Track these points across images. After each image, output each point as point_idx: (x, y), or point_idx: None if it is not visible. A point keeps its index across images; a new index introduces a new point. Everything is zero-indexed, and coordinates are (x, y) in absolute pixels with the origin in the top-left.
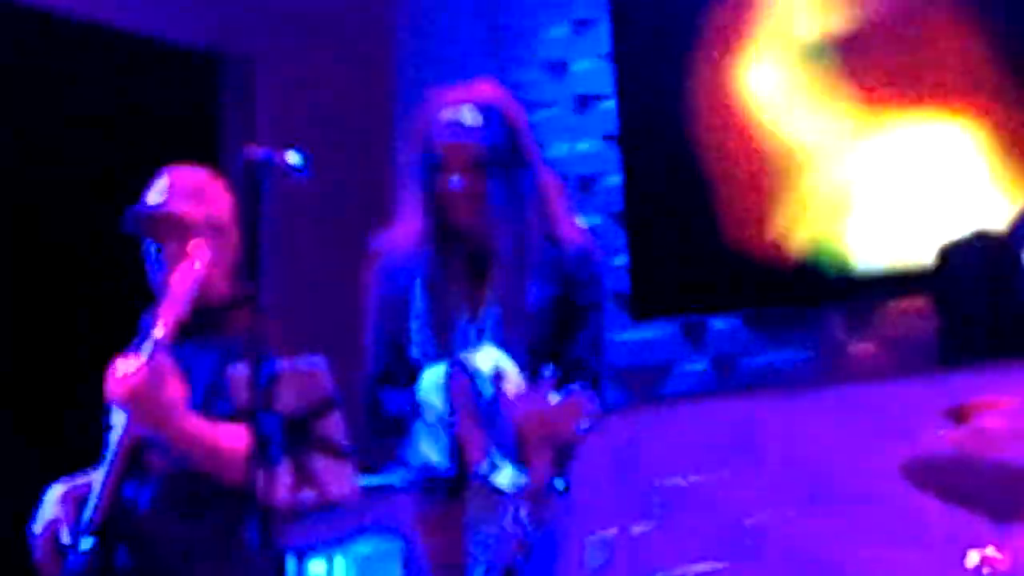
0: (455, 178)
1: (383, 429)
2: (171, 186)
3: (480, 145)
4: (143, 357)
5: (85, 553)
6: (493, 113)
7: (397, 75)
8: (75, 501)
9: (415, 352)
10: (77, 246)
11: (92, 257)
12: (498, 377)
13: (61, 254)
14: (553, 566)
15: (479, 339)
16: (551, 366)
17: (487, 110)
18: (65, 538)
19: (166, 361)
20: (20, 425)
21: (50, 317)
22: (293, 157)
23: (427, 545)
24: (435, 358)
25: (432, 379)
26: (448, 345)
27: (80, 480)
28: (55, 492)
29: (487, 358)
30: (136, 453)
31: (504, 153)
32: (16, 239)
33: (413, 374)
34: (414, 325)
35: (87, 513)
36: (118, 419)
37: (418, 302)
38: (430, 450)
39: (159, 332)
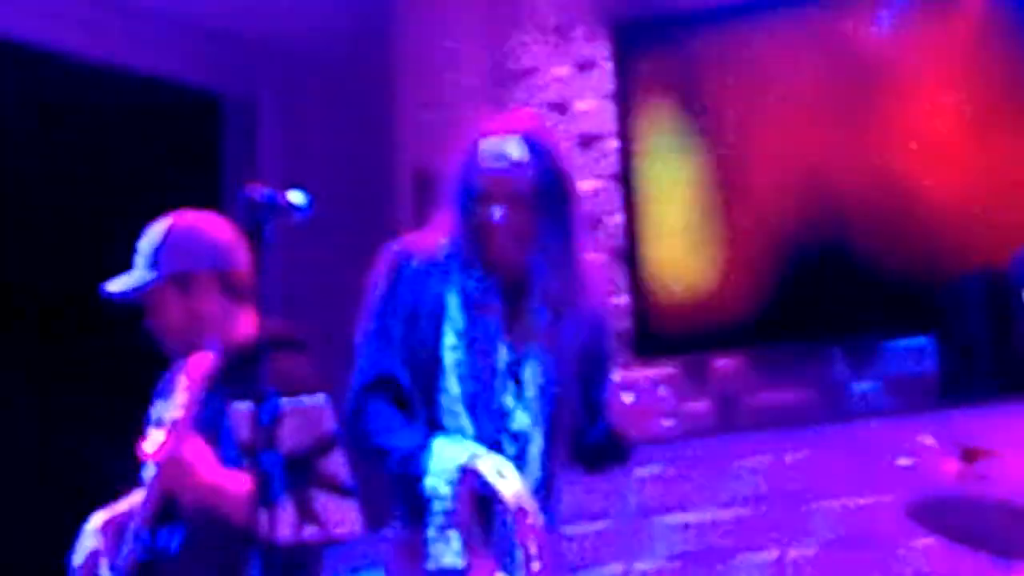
0: (498, 211)
1: (362, 450)
2: (160, 235)
3: (526, 179)
4: (167, 435)
5: None
6: (540, 148)
7: (398, 115)
8: (115, 530)
9: (449, 361)
10: (77, 287)
11: (91, 300)
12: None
13: (58, 295)
14: None
15: (518, 366)
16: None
17: (534, 144)
18: (104, 572)
19: (187, 436)
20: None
21: (59, 355)
22: (295, 196)
23: None
24: (474, 377)
25: (442, 466)
26: (487, 365)
27: (120, 507)
28: (95, 521)
29: (498, 469)
30: (168, 501)
31: (550, 189)
32: (14, 278)
33: (430, 384)
34: (450, 338)
35: (121, 555)
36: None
37: (456, 317)
38: (444, 552)
39: (179, 414)
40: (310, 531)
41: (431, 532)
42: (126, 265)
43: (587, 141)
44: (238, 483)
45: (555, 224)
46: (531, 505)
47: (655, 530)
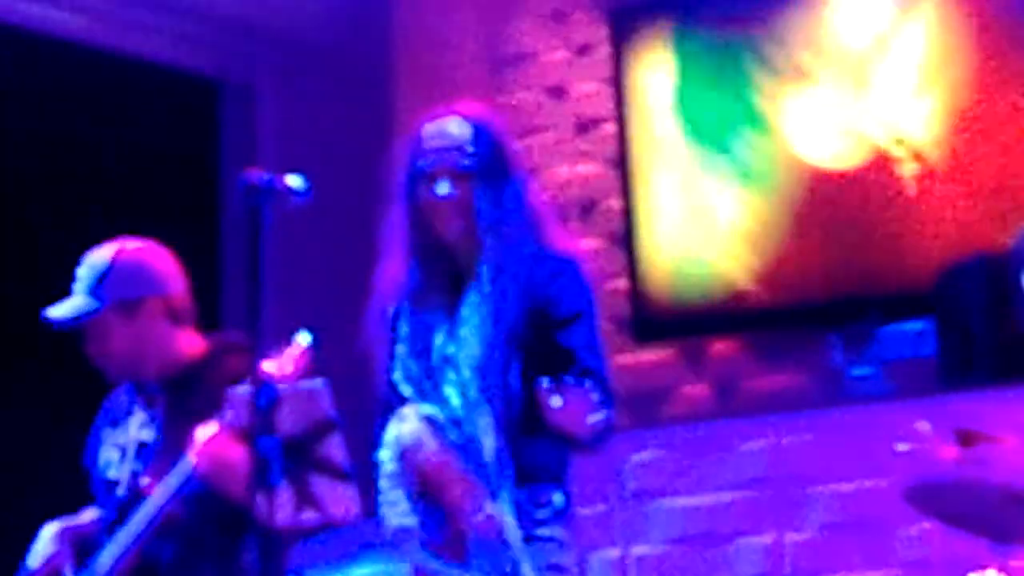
0: (442, 185)
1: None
2: (80, 277)
3: (466, 154)
4: (218, 426)
5: None
6: (479, 126)
7: (396, 100)
8: (72, 539)
9: (398, 375)
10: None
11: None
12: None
13: (57, 277)
14: None
15: (453, 363)
16: (549, 378)
17: (473, 123)
18: (68, 574)
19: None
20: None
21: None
22: (293, 180)
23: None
24: (417, 376)
25: (387, 438)
26: (420, 354)
27: (75, 520)
28: (51, 529)
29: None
30: (168, 515)
31: (490, 164)
32: (12, 262)
33: (391, 378)
34: (400, 349)
35: (102, 561)
36: (121, 473)
37: (403, 321)
38: (392, 514)
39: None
40: (308, 515)
41: (381, 497)
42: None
43: (584, 126)
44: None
45: (497, 198)
46: (415, 443)
47: (652, 514)
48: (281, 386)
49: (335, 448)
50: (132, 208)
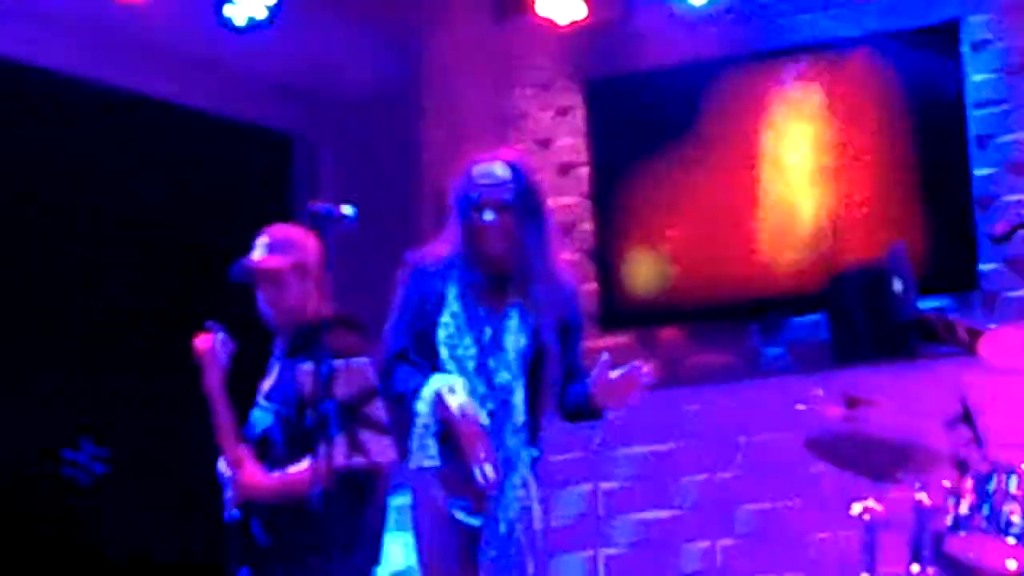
0: (488, 214)
1: (391, 398)
2: (266, 243)
3: (509, 190)
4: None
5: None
6: (517, 169)
7: (424, 148)
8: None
9: (442, 336)
10: (183, 293)
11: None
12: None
13: (164, 296)
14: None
15: (500, 349)
16: (606, 353)
17: (513, 167)
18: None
19: (247, 471)
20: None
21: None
22: (346, 209)
23: (436, 509)
24: (463, 353)
25: (427, 396)
26: (474, 337)
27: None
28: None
29: (457, 391)
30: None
31: (525, 199)
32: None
33: (433, 352)
34: (445, 318)
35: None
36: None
37: (452, 303)
38: (421, 457)
39: (229, 471)
40: (358, 460)
41: (414, 442)
42: (221, 270)
43: (565, 168)
44: (288, 479)
45: (533, 225)
46: (473, 412)
47: (616, 458)
48: (336, 362)
49: (378, 409)
50: (226, 236)
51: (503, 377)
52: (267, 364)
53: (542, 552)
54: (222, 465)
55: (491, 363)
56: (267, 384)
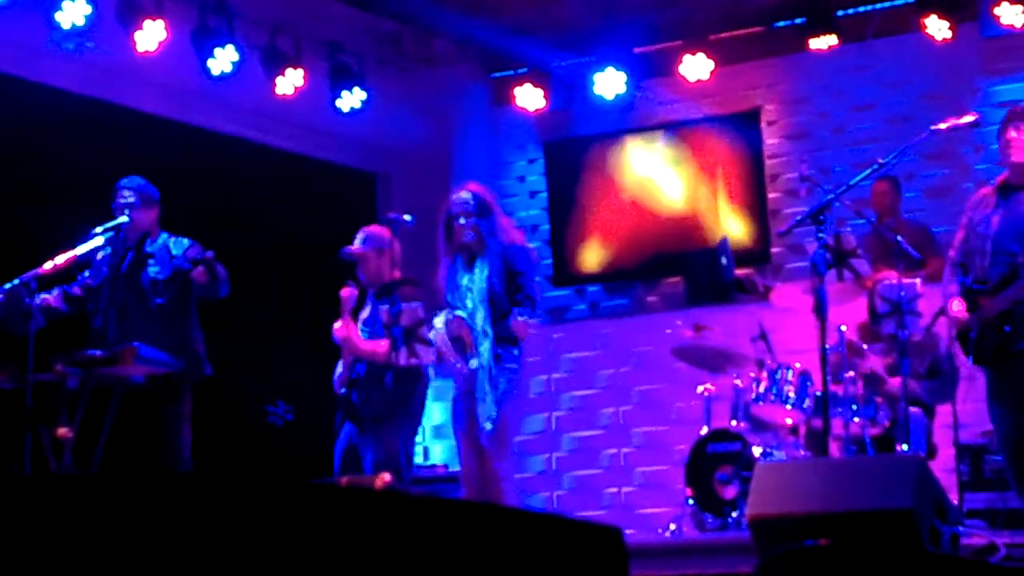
0: (461, 220)
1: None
2: (360, 237)
3: (472, 205)
4: (342, 322)
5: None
6: (477, 194)
7: (451, 182)
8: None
9: (448, 297)
10: (315, 274)
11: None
12: (440, 328)
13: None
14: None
15: (471, 290)
16: (515, 308)
17: (474, 193)
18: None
19: (355, 339)
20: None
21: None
22: (407, 216)
23: (461, 386)
24: (452, 305)
25: (440, 319)
26: (456, 297)
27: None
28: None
29: (437, 319)
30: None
31: (482, 209)
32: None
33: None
34: (449, 286)
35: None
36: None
37: (449, 281)
38: (440, 345)
39: (345, 319)
40: (413, 360)
41: (432, 336)
42: (316, 280)
43: (533, 194)
44: (375, 347)
45: (488, 224)
46: (459, 320)
47: (561, 362)
48: (401, 304)
49: (426, 333)
50: (323, 251)
51: (472, 303)
52: (361, 305)
53: (500, 391)
54: (343, 341)
55: (468, 301)
56: (362, 316)
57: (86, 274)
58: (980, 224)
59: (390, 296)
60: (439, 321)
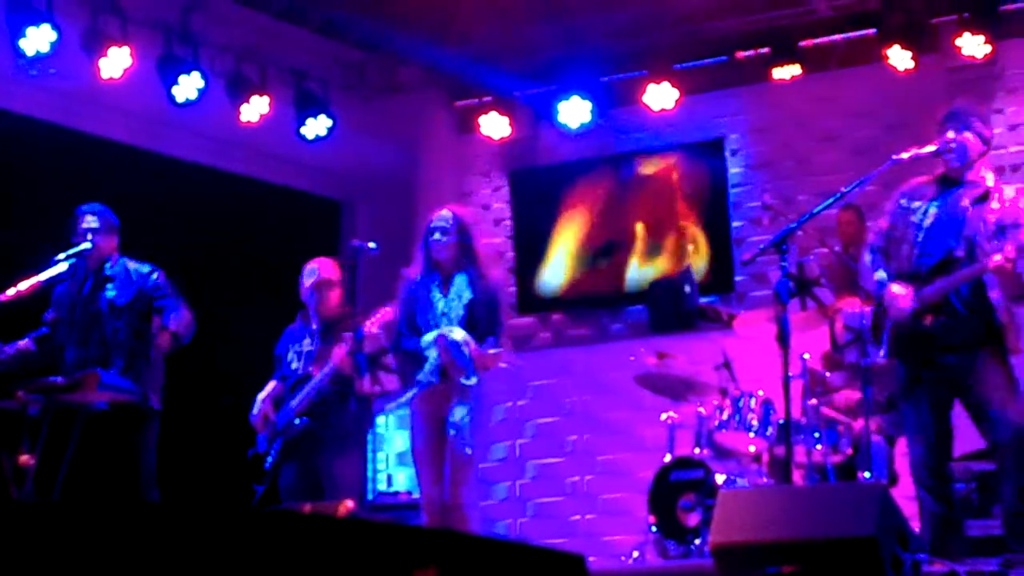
0: (439, 238)
1: (402, 358)
2: (308, 272)
3: (450, 224)
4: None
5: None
6: (455, 215)
7: (419, 207)
8: (271, 398)
9: (420, 321)
10: (243, 325)
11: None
12: (461, 342)
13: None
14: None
15: (447, 315)
16: (489, 337)
17: (453, 213)
18: (272, 419)
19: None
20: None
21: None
22: (371, 244)
23: (426, 411)
24: (427, 326)
25: (428, 339)
26: (430, 318)
27: (268, 388)
28: (262, 395)
29: (456, 332)
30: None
31: (460, 229)
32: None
33: (419, 332)
34: (420, 309)
35: (294, 402)
36: (298, 365)
37: (419, 300)
38: (428, 370)
39: (338, 357)
40: (376, 388)
41: (426, 367)
42: (275, 311)
43: (499, 221)
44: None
45: (464, 244)
46: (447, 335)
47: (526, 388)
48: (367, 331)
49: (390, 360)
50: (285, 279)
51: (447, 325)
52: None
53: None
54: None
55: (443, 321)
56: (304, 347)
57: (50, 314)
58: (913, 212)
59: (335, 331)
60: (440, 334)
